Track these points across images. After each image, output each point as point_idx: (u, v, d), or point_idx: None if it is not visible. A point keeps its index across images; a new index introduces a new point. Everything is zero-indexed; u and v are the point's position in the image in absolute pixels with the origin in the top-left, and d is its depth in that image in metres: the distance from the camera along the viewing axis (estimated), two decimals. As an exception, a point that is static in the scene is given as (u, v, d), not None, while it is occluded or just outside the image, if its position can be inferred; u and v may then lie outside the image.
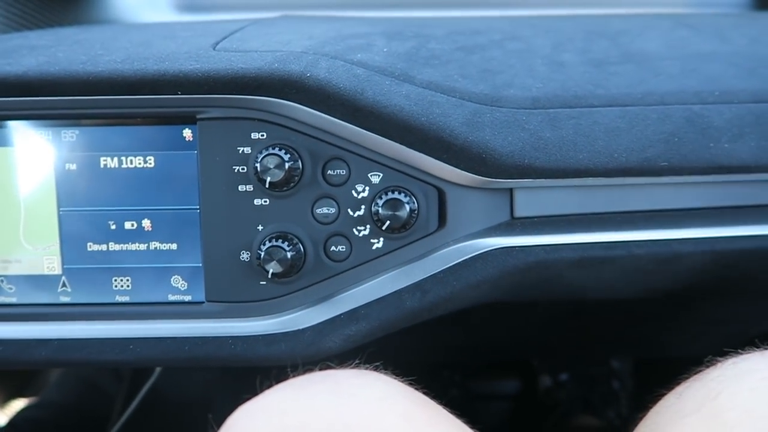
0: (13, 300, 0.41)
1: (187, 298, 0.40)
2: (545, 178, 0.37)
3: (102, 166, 0.40)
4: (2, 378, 0.77)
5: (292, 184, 0.38)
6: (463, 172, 0.37)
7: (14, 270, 0.41)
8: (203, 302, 0.40)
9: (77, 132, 0.40)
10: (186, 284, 0.41)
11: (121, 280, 0.41)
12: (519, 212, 0.39)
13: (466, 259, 0.38)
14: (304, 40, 0.41)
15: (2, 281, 0.41)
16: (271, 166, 0.37)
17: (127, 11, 0.71)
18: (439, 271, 0.38)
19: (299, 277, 0.39)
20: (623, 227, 0.38)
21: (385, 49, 0.40)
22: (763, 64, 0.39)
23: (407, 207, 0.38)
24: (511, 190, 0.39)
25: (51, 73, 0.38)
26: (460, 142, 0.36)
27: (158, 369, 0.65)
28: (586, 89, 0.38)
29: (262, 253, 0.38)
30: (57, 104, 0.39)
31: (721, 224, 0.38)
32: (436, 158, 0.37)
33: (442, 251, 0.38)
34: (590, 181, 0.37)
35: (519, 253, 0.38)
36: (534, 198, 0.39)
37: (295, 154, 0.38)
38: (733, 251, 0.38)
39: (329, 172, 0.39)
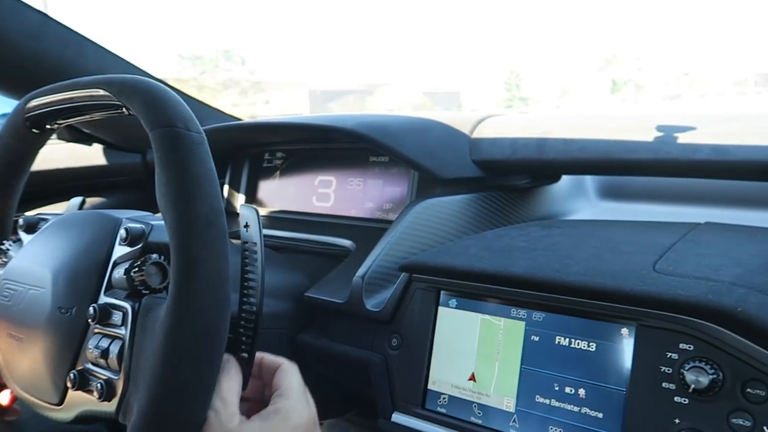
0: (480, 422, 0.59)
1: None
2: None
3: (556, 342, 0.57)
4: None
5: (711, 393, 0.48)
6: None
7: (484, 401, 0.60)
8: None
9: (543, 316, 0.58)
10: (605, 448, 0.52)
11: (556, 429, 0.55)
12: None
13: None
14: (732, 267, 0.52)
15: (475, 406, 0.60)
16: (696, 376, 0.48)
17: (562, 201, 0.93)
18: None
19: None
20: None
21: None
22: None
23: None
24: None
25: (537, 276, 0.58)
26: None
27: None
28: None
29: None
30: (534, 297, 0.58)
31: None
32: None
33: None
34: None
35: None
36: None
37: (718, 368, 0.48)
38: None
39: (748, 390, 0.47)
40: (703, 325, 0.49)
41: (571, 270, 0.57)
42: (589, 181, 0.97)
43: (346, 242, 0.82)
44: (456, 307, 0.63)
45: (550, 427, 0.55)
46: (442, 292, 0.64)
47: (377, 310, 0.67)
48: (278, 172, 1.00)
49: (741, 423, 0.47)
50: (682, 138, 0.72)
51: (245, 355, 0.49)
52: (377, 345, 0.67)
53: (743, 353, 0.47)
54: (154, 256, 0.52)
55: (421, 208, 0.75)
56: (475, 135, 0.85)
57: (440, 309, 0.64)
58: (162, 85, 0.48)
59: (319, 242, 0.85)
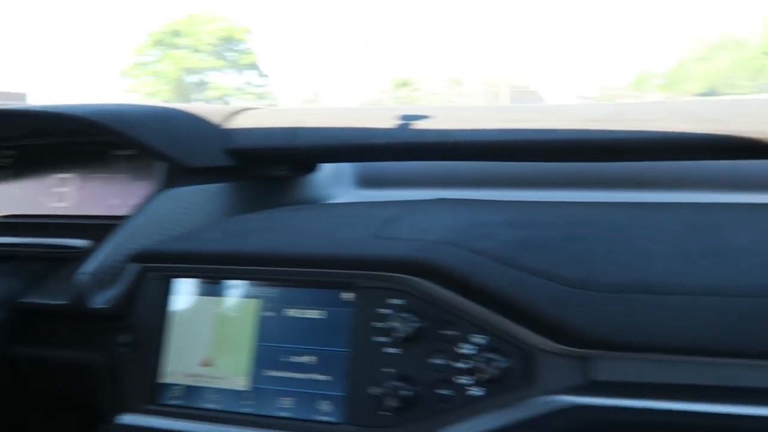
0: (215, 407, 0.58)
1: (331, 419, 0.54)
2: (617, 351, 0.46)
3: (289, 315, 0.58)
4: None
5: (415, 341, 0.52)
6: (549, 341, 0.48)
7: (219, 384, 0.58)
8: (342, 424, 0.53)
9: (276, 291, 0.59)
10: (332, 408, 0.54)
11: (287, 400, 0.56)
12: (597, 376, 0.48)
13: (544, 412, 0.47)
14: (441, 229, 0.58)
15: (210, 392, 0.58)
16: (401, 326, 0.52)
17: (320, 189, 0.95)
18: (521, 419, 0.48)
19: (413, 412, 0.51)
20: (687, 398, 0.45)
21: (503, 238, 0.54)
22: None
23: (501, 364, 0.49)
24: (591, 358, 0.48)
25: (266, 252, 0.58)
26: (547, 319, 0.48)
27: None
28: (665, 279, 0.47)
29: (388, 389, 0.51)
30: (265, 273, 0.58)
31: None
32: (528, 329, 0.49)
33: (526, 403, 0.48)
34: (657, 356, 0.46)
35: (591, 411, 0.46)
36: (610, 365, 0.48)
37: (421, 316, 0.52)
38: None
39: (444, 332, 0.52)
40: (410, 280, 0.53)
41: (298, 243, 0.59)
42: (348, 170, 1.01)
43: (80, 242, 0.75)
44: (190, 294, 0.61)
45: (283, 398, 0.56)
46: (175, 279, 0.61)
47: (105, 307, 0.62)
48: (7, 172, 0.88)
49: (438, 362, 0.52)
50: (420, 124, 0.79)
51: None
52: (106, 345, 0.62)
53: (441, 301, 0.52)
54: None
55: (164, 198, 0.72)
56: (228, 125, 0.83)
57: (174, 297, 0.61)
58: None
59: (46, 245, 0.76)
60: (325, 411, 0.54)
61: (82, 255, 0.73)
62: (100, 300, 0.62)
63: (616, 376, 0.48)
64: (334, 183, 0.98)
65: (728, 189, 0.71)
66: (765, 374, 0.45)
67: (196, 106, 0.87)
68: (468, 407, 0.50)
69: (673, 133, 0.61)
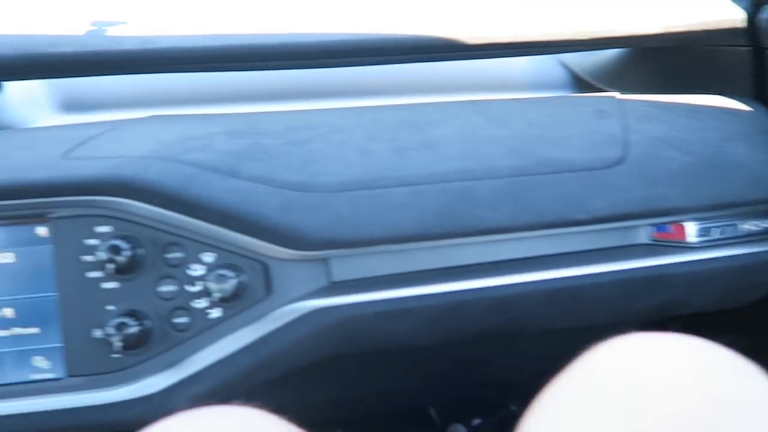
0: None
1: (50, 375, 0.46)
2: (347, 248, 0.44)
3: (-35, 263, 0.45)
4: None
5: (135, 268, 0.45)
6: (280, 248, 0.44)
7: None
8: (64, 378, 0.45)
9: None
10: (49, 363, 0.46)
11: (-12, 365, 0.46)
12: (334, 277, 0.47)
13: (288, 321, 0.45)
14: (150, 143, 0.48)
15: None
16: (115, 255, 0.44)
17: (13, 114, 0.75)
18: (266, 333, 0.45)
19: (148, 348, 0.45)
20: (416, 283, 0.46)
21: (221, 148, 0.47)
22: (526, 145, 0.48)
23: (236, 281, 0.44)
24: (325, 260, 0.46)
25: None
26: (273, 225, 0.44)
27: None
28: (384, 173, 0.46)
29: (113, 329, 0.44)
30: None
31: (493, 275, 0.47)
32: (257, 238, 0.44)
33: (268, 316, 0.45)
34: (384, 248, 0.45)
35: (332, 311, 0.45)
36: (345, 265, 0.46)
37: (137, 242, 0.45)
38: (505, 296, 0.46)
39: (168, 255, 0.45)
40: (112, 202, 0.44)
41: None
42: (42, 91, 0.80)
43: None
44: None
45: (-19, 364, 0.46)
46: None
47: None
48: None
49: (167, 289, 0.45)
50: (113, 31, 0.62)
51: None
52: None
53: (157, 221, 0.45)
54: None
55: None
56: None
57: None
58: None
59: None
60: (41, 368, 0.46)
61: None
62: None
63: (352, 273, 0.46)
64: (26, 107, 0.78)
65: (436, 92, 0.71)
66: (481, 250, 0.47)
67: None
68: (208, 332, 0.45)
69: (381, 36, 0.57)
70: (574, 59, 0.75)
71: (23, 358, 0.46)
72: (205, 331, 0.45)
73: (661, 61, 0.69)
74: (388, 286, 0.46)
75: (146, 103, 0.74)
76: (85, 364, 0.45)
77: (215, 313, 0.45)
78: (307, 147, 0.47)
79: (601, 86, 0.72)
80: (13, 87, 0.73)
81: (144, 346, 0.45)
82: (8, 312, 0.46)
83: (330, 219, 0.43)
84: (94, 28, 0.61)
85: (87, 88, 0.77)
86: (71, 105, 0.78)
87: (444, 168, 0.46)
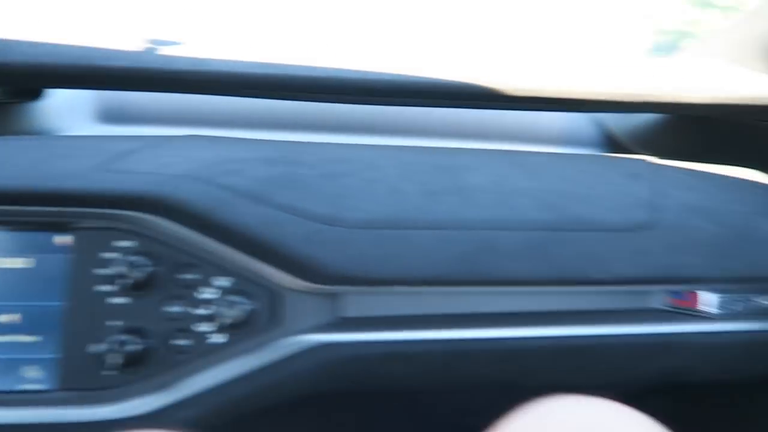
0: None
1: (40, 386, 0.45)
2: (364, 286, 0.45)
3: (-19, 265, 0.46)
4: None
5: (147, 286, 0.45)
6: (297, 279, 0.45)
7: None
8: (54, 390, 0.44)
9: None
10: (42, 373, 0.45)
11: (-20, 370, 0.45)
12: (345, 313, 0.47)
13: (291, 353, 0.45)
14: (186, 163, 0.50)
15: None
16: (131, 270, 0.44)
17: (46, 121, 0.79)
18: (267, 363, 0.45)
19: (145, 367, 0.44)
20: (424, 327, 0.46)
21: (255, 174, 0.49)
22: (556, 200, 0.49)
23: (246, 307, 0.45)
24: (339, 295, 0.47)
25: None
26: (295, 256, 0.45)
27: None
28: (412, 214, 0.47)
29: (112, 346, 0.44)
30: None
31: (501, 326, 0.47)
32: (275, 267, 0.45)
33: (272, 345, 0.45)
34: (402, 289, 0.46)
35: (337, 348, 0.45)
36: (356, 301, 0.47)
37: (153, 260, 0.46)
38: (512, 348, 0.47)
39: (181, 276, 0.46)
40: (141, 218, 0.46)
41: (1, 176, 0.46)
42: (86, 100, 0.86)
43: None
44: None
45: (-27, 368, 0.45)
46: None
47: None
48: None
49: (173, 310, 0.46)
50: (166, 50, 0.68)
51: None
52: None
53: (179, 240, 0.46)
54: None
55: None
56: None
57: None
58: None
59: None
60: (32, 378, 0.45)
61: None
62: None
63: (363, 311, 0.47)
64: (68, 114, 0.83)
65: (471, 137, 0.75)
66: (496, 299, 0.48)
67: None
68: (208, 356, 0.45)
69: (424, 78, 0.61)
70: (611, 118, 0.76)
71: (15, 366, 0.45)
72: (205, 355, 0.45)
73: (700, 130, 0.70)
74: (397, 327, 0.46)
75: (185, 121, 0.77)
76: (78, 378, 0.44)
77: (219, 338, 0.45)
78: (339, 181, 0.49)
79: (634, 148, 0.73)
80: (56, 93, 0.77)
81: (141, 365, 0.44)
82: (13, 318, 0.45)
83: (352, 255, 0.45)
84: (148, 45, 0.66)
85: (127, 101, 0.80)
86: (111, 116, 0.82)
87: (472, 215, 0.47)
